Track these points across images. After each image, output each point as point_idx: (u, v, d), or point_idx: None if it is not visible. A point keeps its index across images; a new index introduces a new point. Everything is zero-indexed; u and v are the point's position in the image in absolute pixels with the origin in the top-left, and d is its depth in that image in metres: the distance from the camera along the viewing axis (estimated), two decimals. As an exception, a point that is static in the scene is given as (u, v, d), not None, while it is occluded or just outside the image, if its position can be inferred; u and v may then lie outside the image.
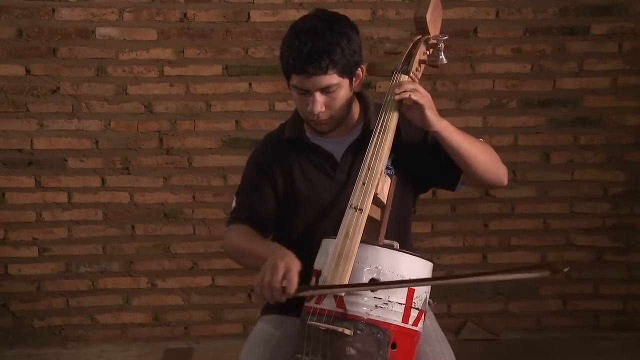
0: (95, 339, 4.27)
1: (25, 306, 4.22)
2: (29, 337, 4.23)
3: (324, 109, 2.17)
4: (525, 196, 4.33)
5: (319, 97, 2.15)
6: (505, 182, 2.32)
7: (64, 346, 4.23)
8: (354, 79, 2.23)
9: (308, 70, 2.10)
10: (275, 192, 2.36)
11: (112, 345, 4.25)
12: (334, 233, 2.04)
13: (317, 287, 1.99)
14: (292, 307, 2.13)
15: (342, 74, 2.15)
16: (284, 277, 1.96)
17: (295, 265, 1.99)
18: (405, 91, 2.08)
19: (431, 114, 2.09)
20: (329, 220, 2.26)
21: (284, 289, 1.96)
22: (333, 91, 2.16)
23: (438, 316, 2.46)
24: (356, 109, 2.33)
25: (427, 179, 2.37)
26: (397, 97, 2.10)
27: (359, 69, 2.24)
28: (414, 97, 2.06)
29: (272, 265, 1.97)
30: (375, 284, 1.93)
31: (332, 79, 2.13)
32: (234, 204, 2.42)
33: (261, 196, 2.36)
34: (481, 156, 2.19)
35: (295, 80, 2.16)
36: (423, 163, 2.30)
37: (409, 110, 2.14)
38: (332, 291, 1.94)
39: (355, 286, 1.94)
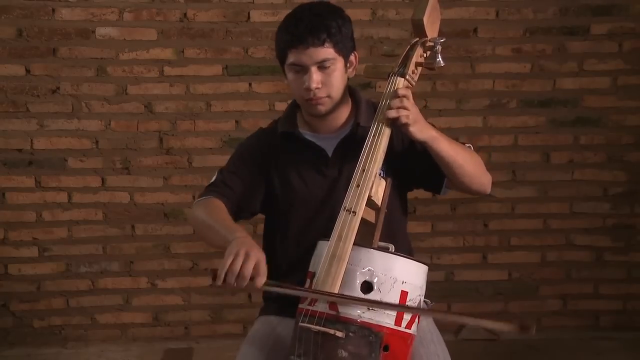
0: (95, 339, 4.27)
1: (25, 306, 4.23)
2: (29, 337, 4.23)
3: (320, 85, 2.18)
4: (525, 196, 4.33)
5: (315, 73, 2.17)
6: (489, 190, 2.33)
7: (64, 346, 4.24)
8: (348, 64, 2.25)
9: (307, 40, 2.13)
10: (264, 183, 2.35)
11: (112, 345, 4.25)
12: (327, 230, 2.04)
13: (284, 285, 2.00)
14: (289, 308, 2.12)
15: (337, 50, 2.18)
16: (255, 268, 1.90)
17: (264, 258, 1.94)
18: (389, 112, 2.08)
19: (415, 130, 2.09)
20: (322, 217, 2.26)
21: (251, 279, 1.90)
22: (329, 67, 2.17)
23: (437, 316, 2.46)
24: (348, 105, 2.34)
25: (414, 180, 2.38)
26: (380, 117, 2.11)
27: (353, 55, 2.28)
28: (402, 120, 2.07)
29: (245, 252, 1.90)
30: (343, 296, 1.93)
31: (328, 52, 2.16)
32: (212, 179, 2.38)
33: (243, 180, 2.34)
34: (466, 165, 2.20)
35: (292, 56, 2.18)
36: (411, 164, 2.31)
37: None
38: (300, 293, 1.94)
39: (324, 294, 1.93)
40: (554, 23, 4.23)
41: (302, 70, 2.18)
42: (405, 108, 2.06)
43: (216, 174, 2.40)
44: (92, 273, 4.24)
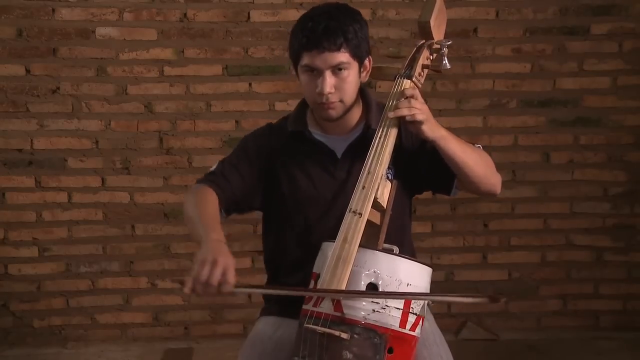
0: (95, 339, 4.27)
1: (25, 306, 4.22)
2: (29, 337, 4.23)
3: (333, 90, 2.16)
4: (525, 196, 4.33)
5: (329, 77, 2.14)
6: (499, 191, 2.34)
7: (64, 346, 4.23)
8: (362, 69, 2.23)
9: (323, 44, 2.11)
10: (266, 181, 2.34)
11: (112, 345, 4.25)
12: (333, 232, 2.03)
13: (252, 286, 2.02)
14: (291, 308, 2.13)
15: (353, 55, 2.15)
16: (222, 274, 1.90)
17: (233, 264, 1.93)
18: (401, 109, 2.07)
19: (427, 128, 2.09)
20: (328, 219, 2.25)
21: (219, 286, 1.90)
22: (343, 71, 2.15)
23: (438, 316, 2.46)
24: (359, 107, 2.32)
25: (424, 182, 2.37)
26: (391, 115, 2.10)
27: (367, 59, 2.25)
28: (416, 117, 2.06)
29: (212, 261, 1.89)
30: (318, 290, 1.94)
31: (344, 57, 2.13)
32: (213, 168, 2.37)
33: (242, 174, 2.33)
34: (476, 166, 2.20)
35: (306, 58, 2.15)
36: (421, 166, 2.30)
37: (406, 122, 2.13)
38: (267, 292, 1.95)
39: (296, 291, 1.96)
40: (554, 23, 4.23)
41: (316, 73, 2.16)
42: (413, 107, 2.06)
43: (217, 163, 2.38)
44: (92, 273, 4.23)
